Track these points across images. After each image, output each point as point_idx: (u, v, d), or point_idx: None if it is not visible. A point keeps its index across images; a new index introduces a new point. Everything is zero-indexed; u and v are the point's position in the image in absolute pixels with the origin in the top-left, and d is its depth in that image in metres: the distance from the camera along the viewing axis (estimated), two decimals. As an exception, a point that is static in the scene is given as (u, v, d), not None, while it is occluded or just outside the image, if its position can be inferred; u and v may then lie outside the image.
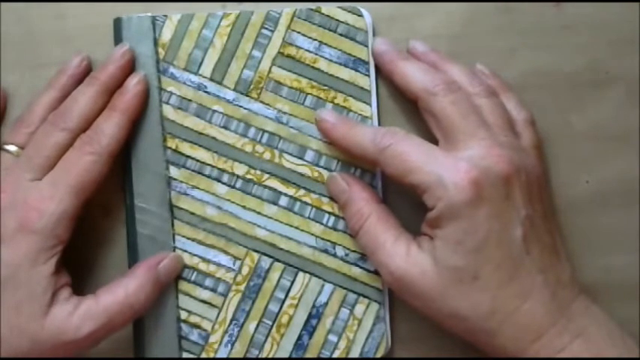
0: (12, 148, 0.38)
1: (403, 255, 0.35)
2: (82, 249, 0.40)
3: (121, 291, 0.36)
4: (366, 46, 0.40)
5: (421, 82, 0.37)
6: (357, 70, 0.40)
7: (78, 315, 0.35)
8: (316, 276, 0.39)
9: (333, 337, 0.39)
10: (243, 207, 0.40)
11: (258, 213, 0.40)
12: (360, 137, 0.37)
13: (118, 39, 0.40)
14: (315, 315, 0.39)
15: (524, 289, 0.34)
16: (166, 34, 0.40)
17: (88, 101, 0.38)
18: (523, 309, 0.34)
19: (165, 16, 0.40)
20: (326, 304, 0.39)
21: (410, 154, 0.35)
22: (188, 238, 0.39)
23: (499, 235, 0.34)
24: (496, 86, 0.39)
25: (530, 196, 0.35)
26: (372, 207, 0.37)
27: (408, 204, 0.39)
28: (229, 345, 0.39)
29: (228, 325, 0.39)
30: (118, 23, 0.40)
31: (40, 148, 0.37)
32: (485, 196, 0.34)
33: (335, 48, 0.40)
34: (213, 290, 0.39)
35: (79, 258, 0.40)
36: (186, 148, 0.39)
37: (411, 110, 0.40)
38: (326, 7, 0.40)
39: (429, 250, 0.35)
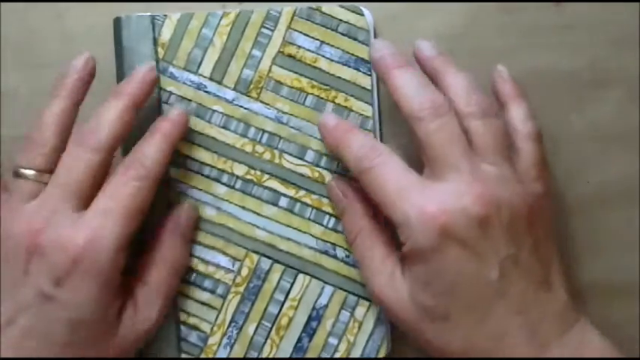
0: (29, 172, 0.35)
1: (387, 276, 0.35)
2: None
3: (160, 263, 0.37)
4: (368, 45, 0.40)
5: (408, 104, 0.35)
6: (358, 70, 0.40)
7: (140, 316, 0.36)
8: (316, 278, 0.39)
9: (333, 340, 0.39)
10: (243, 207, 0.39)
11: (258, 214, 0.39)
12: (347, 152, 0.36)
13: (117, 39, 0.39)
14: (315, 317, 0.39)
15: (499, 330, 0.33)
16: (166, 34, 0.39)
17: (115, 118, 0.35)
18: (498, 349, 0.33)
19: (165, 15, 0.39)
20: (326, 306, 0.39)
21: (387, 183, 0.34)
22: (187, 239, 0.39)
23: (471, 276, 0.33)
24: (509, 92, 0.38)
25: (514, 233, 0.34)
26: (363, 222, 0.37)
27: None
28: (228, 347, 0.39)
29: (227, 327, 0.39)
30: (117, 23, 0.39)
31: (72, 173, 0.34)
32: (456, 238, 0.33)
33: (336, 47, 0.40)
34: (212, 292, 0.39)
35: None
36: (185, 148, 0.39)
37: (412, 110, 0.40)
38: (327, 6, 0.40)
39: (407, 280, 0.35)
